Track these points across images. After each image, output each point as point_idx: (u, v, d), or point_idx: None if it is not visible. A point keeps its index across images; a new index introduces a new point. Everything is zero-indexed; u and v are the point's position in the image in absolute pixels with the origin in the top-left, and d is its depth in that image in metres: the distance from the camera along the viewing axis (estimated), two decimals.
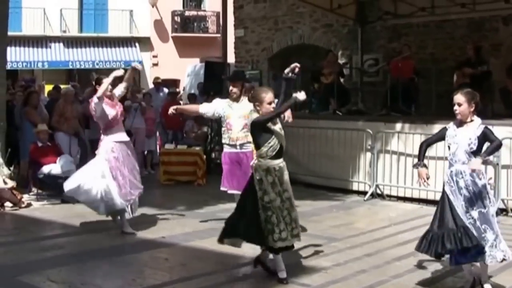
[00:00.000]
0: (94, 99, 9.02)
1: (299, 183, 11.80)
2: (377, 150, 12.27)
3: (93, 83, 9.95)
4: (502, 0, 14.06)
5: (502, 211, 10.52)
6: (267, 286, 6.79)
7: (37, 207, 11.22)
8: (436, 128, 6.34)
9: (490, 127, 6.56)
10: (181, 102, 18.42)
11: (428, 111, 14.16)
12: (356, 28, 18.21)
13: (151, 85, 23.04)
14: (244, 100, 8.60)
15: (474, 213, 6.29)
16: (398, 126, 12.32)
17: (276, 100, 6.89)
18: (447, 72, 14.51)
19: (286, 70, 7.21)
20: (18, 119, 13.43)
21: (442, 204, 6.44)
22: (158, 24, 36.66)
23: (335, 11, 17.26)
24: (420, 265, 7.41)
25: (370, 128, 12.48)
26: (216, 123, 14.17)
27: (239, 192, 7.79)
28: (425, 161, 6.72)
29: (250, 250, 7.36)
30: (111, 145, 9.05)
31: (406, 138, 11.91)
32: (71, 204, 10.59)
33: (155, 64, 36.28)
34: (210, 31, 37.36)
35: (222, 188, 8.82)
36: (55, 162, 11.72)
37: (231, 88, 8.81)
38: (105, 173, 8.93)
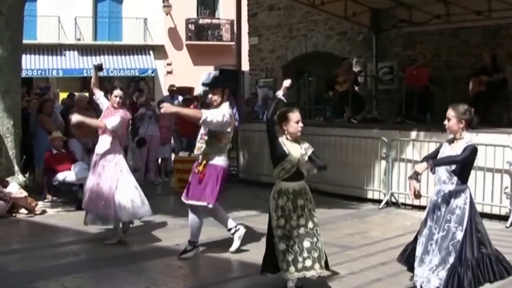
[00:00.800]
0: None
1: (313, 191, 11.72)
2: (392, 158, 12.20)
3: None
4: None
5: None
6: None
7: (51, 214, 11.24)
8: (460, 142, 6.24)
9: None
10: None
11: (444, 119, 14.03)
12: (371, 35, 18.17)
13: (165, 93, 23.08)
14: (224, 105, 8.09)
15: (435, 236, 6.16)
16: (413, 134, 12.24)
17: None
18: (463, 80, 14.46)
19: (280, 92, 6.72)
20: (33, 126, 13.48)
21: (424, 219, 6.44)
22: (172, 32, 36.76)
23: (350, 18, 17.23)
24: None
25: (385, 136, 12.42)
26: None
27: (190, 202, 8.01)
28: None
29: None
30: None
31: (421, 146, 11.82)
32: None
33: (169, 72, 36.37)
34: (224, 39, 37.42)
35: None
36: (69, 169, 11.72)
37: (210, 96, 8.29)
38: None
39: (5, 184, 11.07)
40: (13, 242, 9.50)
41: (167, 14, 36.31)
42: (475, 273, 5.97)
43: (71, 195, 11.76)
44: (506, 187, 10.48)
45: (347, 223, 10.82)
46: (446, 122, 6.34)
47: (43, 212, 11.23)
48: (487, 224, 10.07)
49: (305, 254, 6.43)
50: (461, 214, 6.08)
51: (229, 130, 8.13)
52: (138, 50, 36.05)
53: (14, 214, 10.93)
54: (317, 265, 6.46)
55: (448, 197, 6.16)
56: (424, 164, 6.07)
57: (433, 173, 6.17)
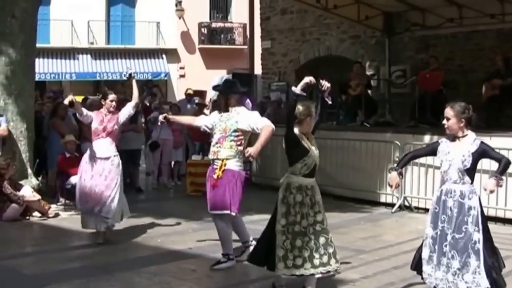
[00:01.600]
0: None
1: (327, 195, 11.69)
2: None
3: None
4: None
5: None
6: None
7: (64, 217, 11.27)
8: (465, 140, 6.15)
9: None
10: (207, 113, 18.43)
11: None
12: (384, 39, 18.15)
13: (178, 97, 23.11)
14: (233, 111, 7.94)
15: (449, 237, 6.05)
16: (427, 138, 12.18)
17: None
18: (476, 84, 14.39)
19: (298, 88, 6.41)
20: (46, 130, 13.53)
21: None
22: (185, 36, 36.82)
23: (363, 22, 17.21)
24: None
25: (398, 139, 12.38)
26: None
27: (215, 212, 7.70)
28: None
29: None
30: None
31: None
32: None
33: (182, 76, 36.43)
34: (237, 42, 37.44)
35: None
36: None
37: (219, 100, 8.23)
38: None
39: (19, 187, 11.10)
40: (26, 245, 9.55)
41: (180, 18, 36.36)
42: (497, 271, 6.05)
43: None
44: None
45: (360, 227, 10.80)
46: (445, 121, 6.20)
47: (56, 215, 11.26)
48: (500, 228, 10.08)
49: (322, 251, 6.42)
50: (476, 214, 6.01)
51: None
52: (151, 54, 36.16)
53: (27, 217, 10.98)
54: (333, 260, 6.47)
55: (460, 198, 6.04)
56: (495, 182, 5.96)
57: (500, 186, 6.07)
